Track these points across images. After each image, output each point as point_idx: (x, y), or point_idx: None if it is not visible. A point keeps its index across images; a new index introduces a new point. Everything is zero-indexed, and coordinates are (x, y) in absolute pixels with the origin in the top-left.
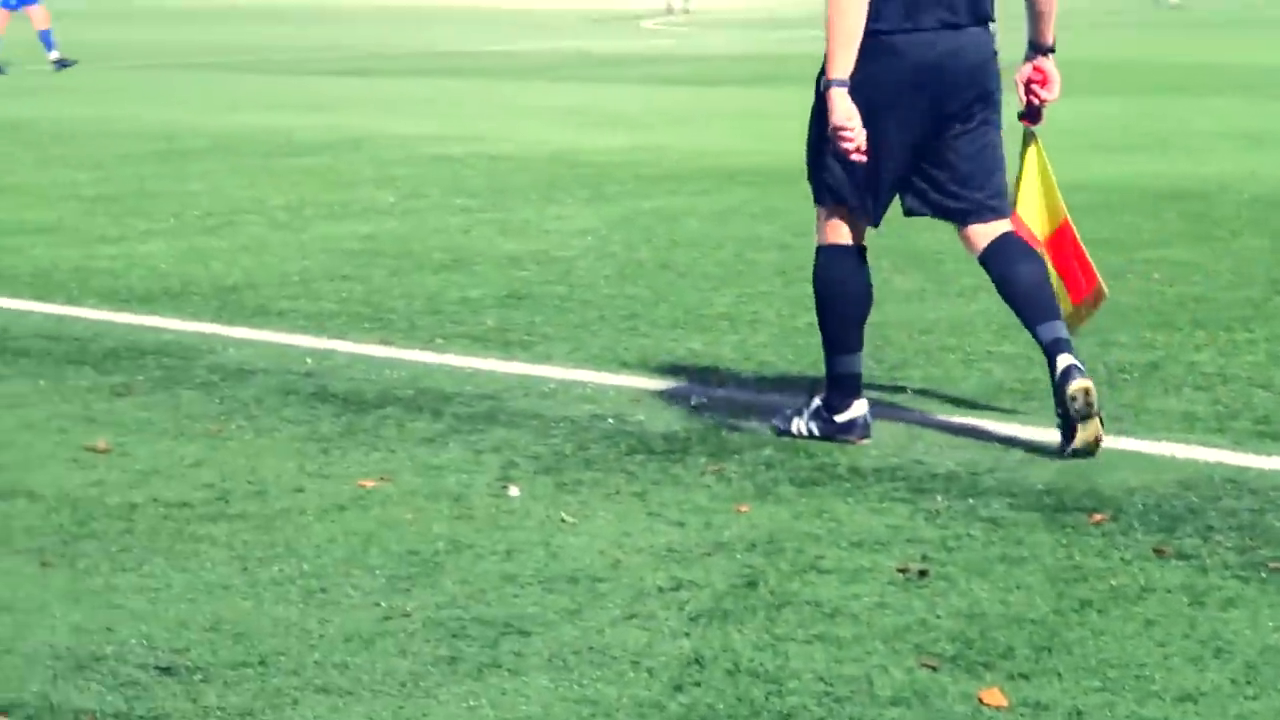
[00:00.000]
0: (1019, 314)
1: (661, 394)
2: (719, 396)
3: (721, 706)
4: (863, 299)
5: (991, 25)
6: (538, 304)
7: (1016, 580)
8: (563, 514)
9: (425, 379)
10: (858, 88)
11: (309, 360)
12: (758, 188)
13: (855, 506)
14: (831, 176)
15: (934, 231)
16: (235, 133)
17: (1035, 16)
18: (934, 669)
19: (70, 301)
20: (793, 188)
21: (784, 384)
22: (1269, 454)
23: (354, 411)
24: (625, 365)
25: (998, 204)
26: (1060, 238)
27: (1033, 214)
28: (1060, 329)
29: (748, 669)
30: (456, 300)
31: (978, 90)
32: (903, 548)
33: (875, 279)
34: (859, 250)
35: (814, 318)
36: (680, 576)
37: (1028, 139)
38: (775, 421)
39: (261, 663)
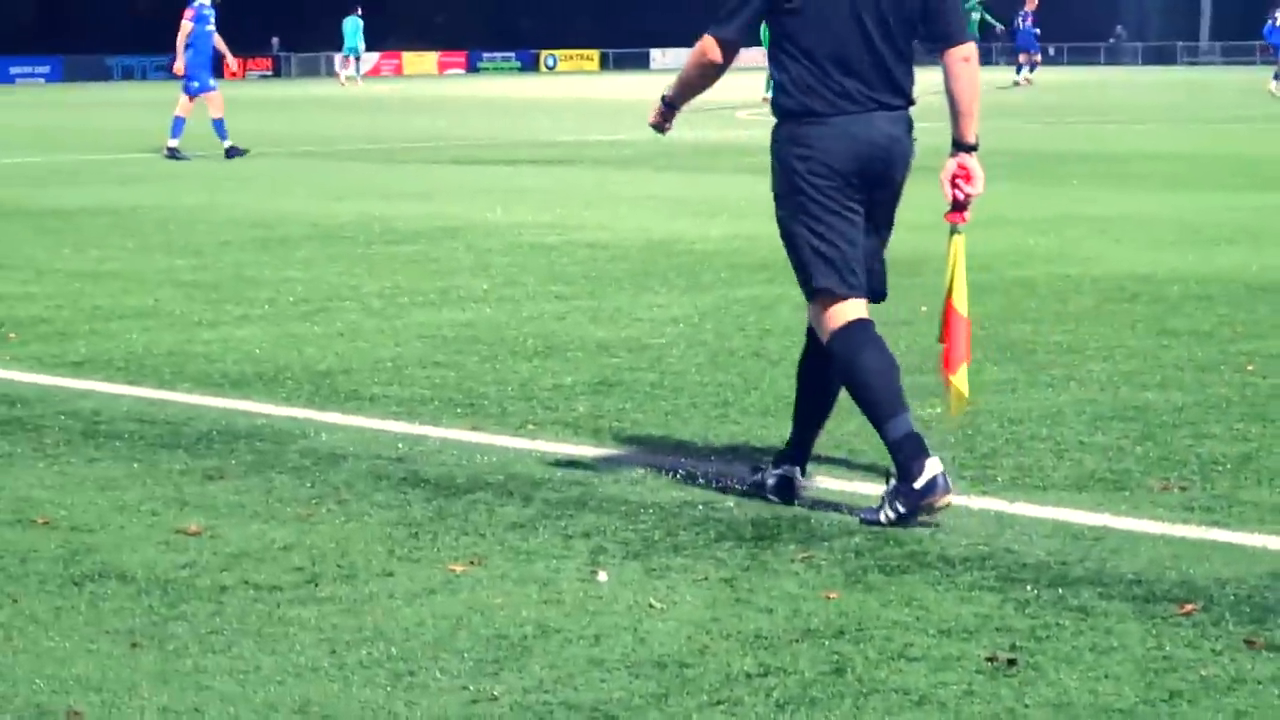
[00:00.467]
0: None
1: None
2: (809, 484)
3: None
4: (887, 361)
5: (898, 108)
6: (629, 391)
7: (1105, 670)
8: (651, 599)
9: (516, 464)
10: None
11: (400, 445)
12: None
13: (944, 594)
14: (816, 268)
15: (1025, 323)
16: (335, 220)
17: (956, 116)
18: None
19: (164, 385)
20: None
21: (873, 472)
22: None
23: (444, 496)
24: (715, 453)
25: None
26: (963, 320)
27: (961, 299)
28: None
29: None
30: (549, 387)
31: (899, 172)
32: (991, 636)
33: (970, 371)
34: (866, 323)
35: (909, 404)
36: (768, 663)
37: (953, 231)
38: (862, 514)
39: None
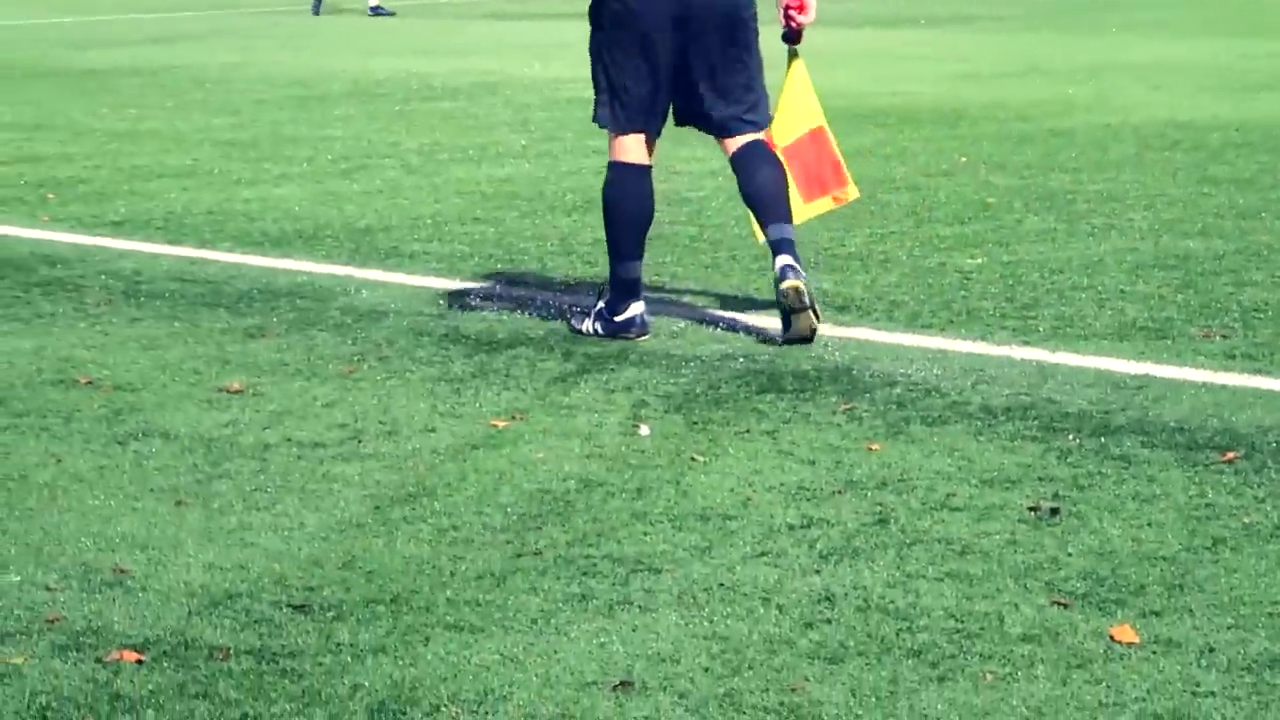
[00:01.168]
0: (753, 212)
1: None
2: (850, 336)
3: (852, 643)
4: (641, 212)
5: None
6: (668, 244)
7: (1148, 518)
8: (693, 453)
9: (556, 319)
10: (626, 18)
11: (441, 301)
12: (890, 129)
13: (986, 445)
14: (614, 101)
15: (1064, 172)
16: (372, 77)
17: None
18: (1065, 606)
19: (204, 245)
20: (925, 129)
21: (915, 322)
22: None
23: (485, 352)
24: (755, 305)
25: (751, 117)
26: (802, 145)
27: (780, 125)
28: (786, 230)
29: (878, 606)
30: (588, 241)
31: (729, 20)
32: (1034, 486)
33: (1006, 219)
34: (642, 168)
35: (946, 257)
36: (811, 514)
37: (790, 57)
38: (570, 320)
39: (393, 600)
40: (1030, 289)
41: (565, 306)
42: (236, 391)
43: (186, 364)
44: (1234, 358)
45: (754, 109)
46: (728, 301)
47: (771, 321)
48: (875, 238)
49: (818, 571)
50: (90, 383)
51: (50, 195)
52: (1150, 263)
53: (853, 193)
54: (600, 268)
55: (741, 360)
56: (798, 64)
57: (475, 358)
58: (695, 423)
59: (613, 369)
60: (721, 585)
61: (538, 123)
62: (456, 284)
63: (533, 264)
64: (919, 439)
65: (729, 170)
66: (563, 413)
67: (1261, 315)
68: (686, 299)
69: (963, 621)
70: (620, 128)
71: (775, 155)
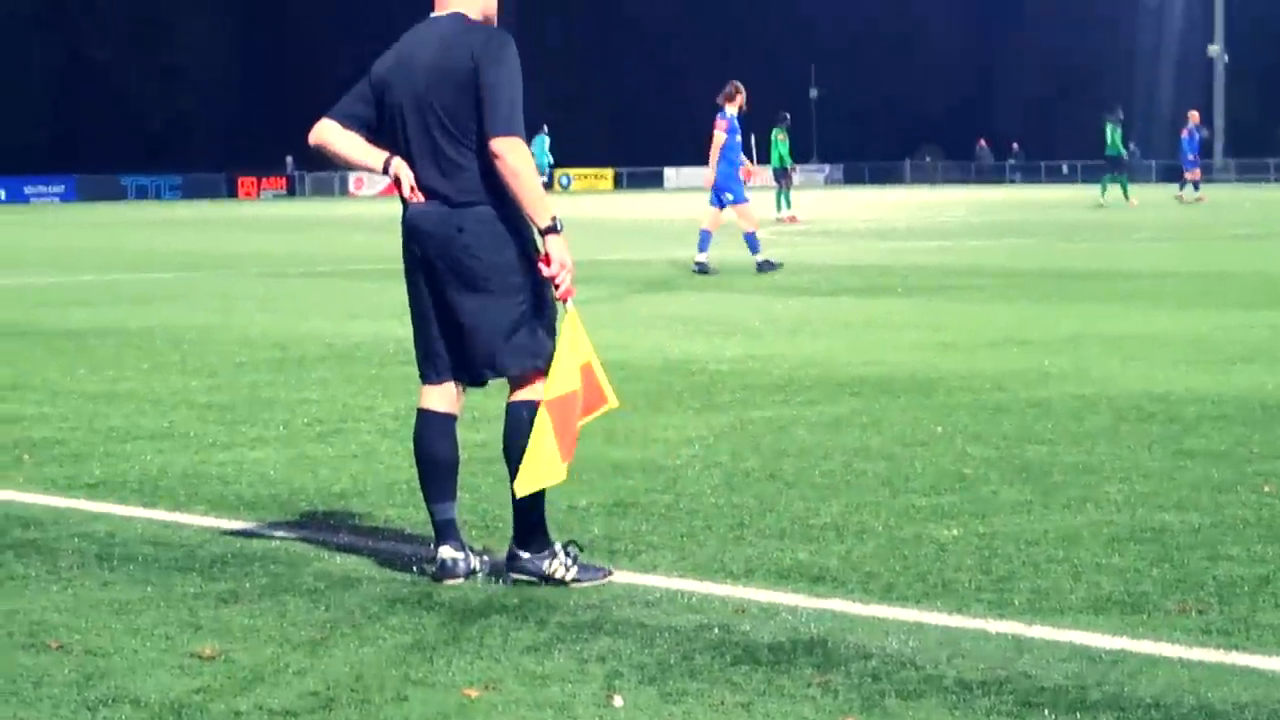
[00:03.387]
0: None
1: (767, 604)
2: (825, 607)
3: None
4: (436, 457)
5: (448, 201)
6: (644, 512)
7: None
8: None
9: (530, 587)
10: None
11: (414, 568)
12: (866, 398)
13: None
14: (415, 350)
15: (1040, 444)
16: (350, 340)
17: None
18: None
19: (179, 508)
20: (901, 399)
21: (891, 594)
22: None
23: (459, 620)
24: (731, 575)
25: (502, 365)
26: (567, 399)
27: (551, 378)
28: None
29: None
30: (563, 509)
31: (448, 261)
32: None
33: (982, 491)
34: (437, 415)
35: (921, 528)
36: None
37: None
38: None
39: None
40: (1006, 561)
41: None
42: (208, 657)
43: (158, 629)
44: (1210, 633)
45: (503, 356)
46: (703, 571)
47: (749, 591)
48: (850, 508)
49: None
50: (61, 647)
51: (25, 456)
52: (1126, 536)
53: (612, 401)
54: (574, 535)
55: (716, 630)
56: (567, 316)
57: (449, 625)
58: (669, 694)
59: (587, 639)
60: None
61: None
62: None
63: (507, 530)
64: (894, 713)
65: (707, 438)
66: (536, 682)
67: (1238, 590)
68: (662, 568)
69: None
70: (420, 372)
71: (520, 419)
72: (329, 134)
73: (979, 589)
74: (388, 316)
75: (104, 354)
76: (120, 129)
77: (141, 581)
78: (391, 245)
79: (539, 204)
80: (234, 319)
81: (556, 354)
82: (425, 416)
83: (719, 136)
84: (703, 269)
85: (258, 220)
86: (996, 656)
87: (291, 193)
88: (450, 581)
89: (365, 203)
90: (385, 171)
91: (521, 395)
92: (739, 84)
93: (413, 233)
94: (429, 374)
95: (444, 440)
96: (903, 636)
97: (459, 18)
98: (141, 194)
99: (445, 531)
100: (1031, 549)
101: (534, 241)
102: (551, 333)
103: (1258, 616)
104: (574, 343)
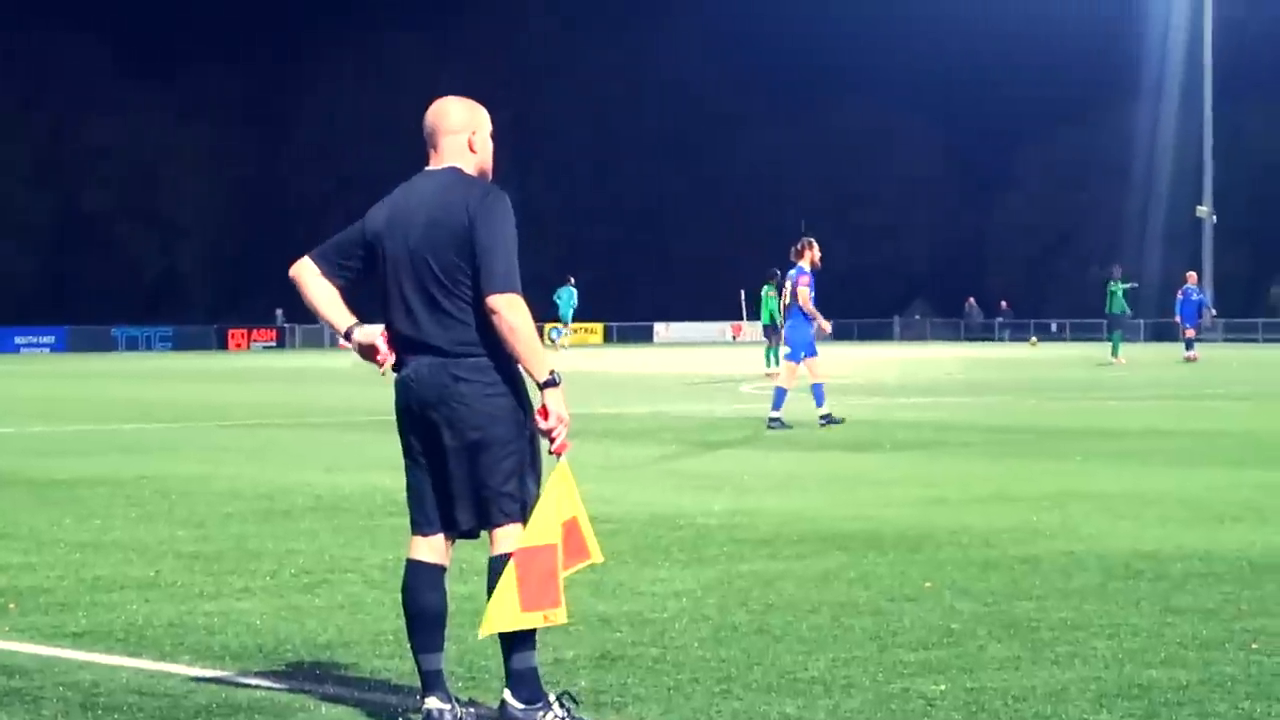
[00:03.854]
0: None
1: None
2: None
3: None
4: (425, 608)
5: (443, 354)
6: (631, 665)
7: None
8: None
9: None
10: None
11: None
12: (854, 552)
13: None
14: (408, 503)
15: (1028, 600)
16: (338, 492)
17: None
18: None
19: (164, 658)
20: (890, 554)
21: None
22: None
23: None
24: None
25: (487, 516)
26: (534, 553)
27: (530, 526)
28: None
29: None
30: (549, 661)
31: (442, 411)
32: None
33: (970, 646)
34: (426, 566)
35: (909, 682)
36: None
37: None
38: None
39: None
40: (994, 716)
41: None
42: None
43: None
44: None
45: (489, 507)
46: None
47: None
48: (838, 662)
49: None
50: None
51: (11, 605)
52: (1114, 692)
53: (561, 616)
54: (561, 687)
55: None
56: (557, 470)
57: None
58: None
59: None
60: None
61: None
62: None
63: (494, 682)
64: None
65: (694, 590)
66: None
67: None
68: None
69: None
70: (411, 522)
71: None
72: (306, 276)
73: None
74: (376, 468)
75: (92, 503)
76: (112, 279)
77: None
78: (380, 397)
79: (537, 357)
80: (222, 469)
81: (540, 505)
82: (414, 567)
83: (805, 292)
84: (779, 424)
85: (248, 372)
86: None
87: (281, 345)
88: None
89: (355, 355)
90: (347, 337)
91: (507, 547)
92: (811, 239)
93: (408, 382)
94: (421, 524)
95: (433, 591)
96: None
97: (455, 172)
98: (132, 345)
99: (432, 682)
100: (1019, 705)
101: (528, 395)
102: (539, 487)
103: None
104: (561, 496)
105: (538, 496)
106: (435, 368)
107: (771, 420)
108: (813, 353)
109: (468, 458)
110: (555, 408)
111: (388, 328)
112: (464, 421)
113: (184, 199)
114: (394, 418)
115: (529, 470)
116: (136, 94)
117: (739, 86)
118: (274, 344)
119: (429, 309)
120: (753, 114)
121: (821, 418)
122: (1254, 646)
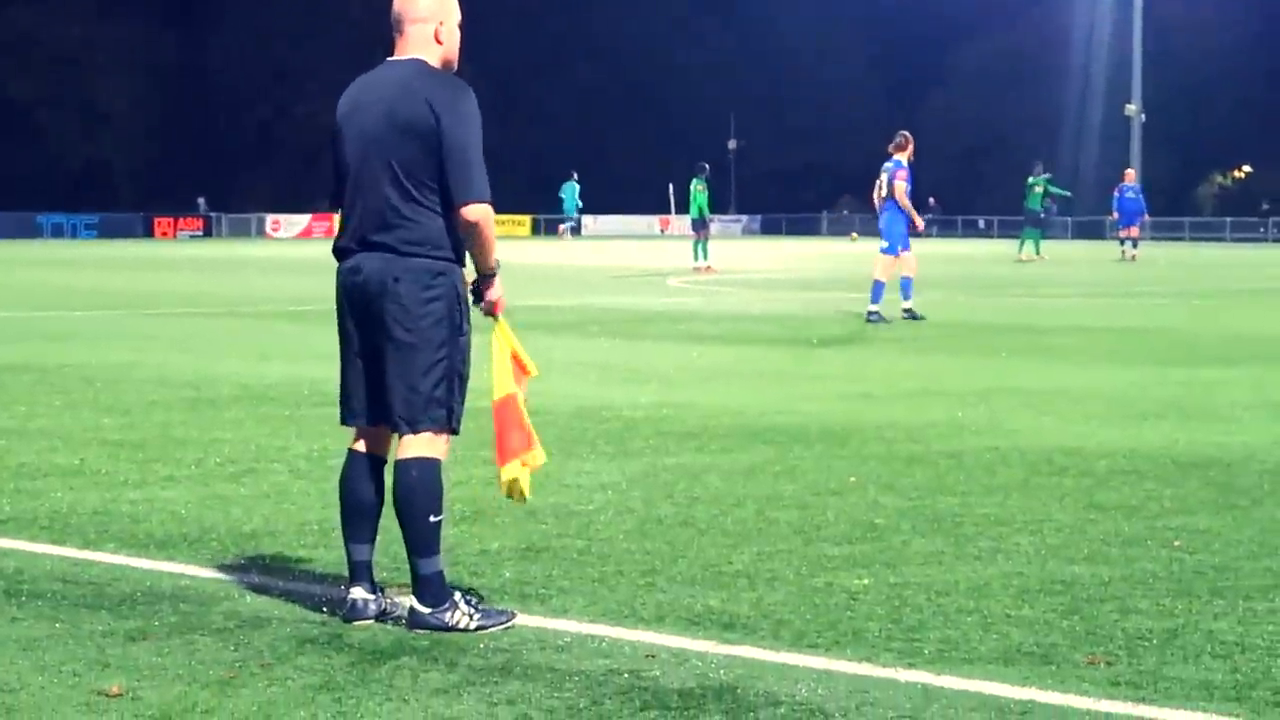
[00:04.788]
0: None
1: (677, 650)
2: (735, 654)
3: None
4: (358, 498)
5: (391, 250)
6: (556, 558)
7: None
8: None
9: (440, 630)
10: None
11: (325, 609)
12: (780, 446)
13: None
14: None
15: (952, 495)
16: (264, 381)
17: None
18: None
19: (88, 545)
20: (815, 447)
21: (801, 641)
22: None
23: (369, 661)
24: (642, 620)
25: (406, 416)
26: (505, 404)
27: (495, 381)
28: (416, 563)
29: None
30: (475, 552)
31: (378, 308)
32: None
33: (894, 541)
34: (362, 456)
35: (833, 576)
36: None
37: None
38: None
39: None
40: (916, 611)
41: (446, 626)
42: (115, 695)
43: (66, 666)
44: (1118, 685)
45: (411, 408)
46: (614, 616)
47: (659, 637)
48: (762, 555)
49: None
50: None
51: None
52: (1036, 588)
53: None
54: (486, 578)
55: (626, 675)
56: (497, 327)
57: (358, 667)
58: None
59: (496, 682)
60: None
61: None
62: (341, 591)
63: None
64: None
65: (620, 483)
66: None
67: (1146, 643)
68: (572, 613)
69: None
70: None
71: (409, 479)
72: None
73: (889, 638)
74: (303, 358)
75: (15, 390)
76: (37, 166)
77: (49, 618)
78: (308, 287)
79: (490, 254)
80: (148, 358)
81: (493, 362)
82: (352, 457)
83: (902, 186)
84: (877, 318)
85: (175, 260)
86: (905, 705)
87: (209, 234)
88: (361, 623)
89: (283, 244)
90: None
91: (414, 452)
92: (908, 133)
93: (352, 275)
94: (346, 416)
95: (366, 482)
96: (812, 684)
97: (419, 64)
98: (58, 232)
99: (358, 572)
100: (942, 599)
101: (466, 306)
102: (463, 397)
103: (1166, 669)
104: (501, 346)
105: (461, 413)
106: (380, 264)
107: (870, 314)
108: (907, 246)
109: (400, 357)
110: (495, 293)
111: (339, 215)
112: (398, 322)
113: (109, 88)
114: (322, 308)
115: (458, 380)
116: None
117: None
118: (200, 233)
119: (383, 205)
120: (686, 16)
121: (904, 311)
122: (1176, 544)
